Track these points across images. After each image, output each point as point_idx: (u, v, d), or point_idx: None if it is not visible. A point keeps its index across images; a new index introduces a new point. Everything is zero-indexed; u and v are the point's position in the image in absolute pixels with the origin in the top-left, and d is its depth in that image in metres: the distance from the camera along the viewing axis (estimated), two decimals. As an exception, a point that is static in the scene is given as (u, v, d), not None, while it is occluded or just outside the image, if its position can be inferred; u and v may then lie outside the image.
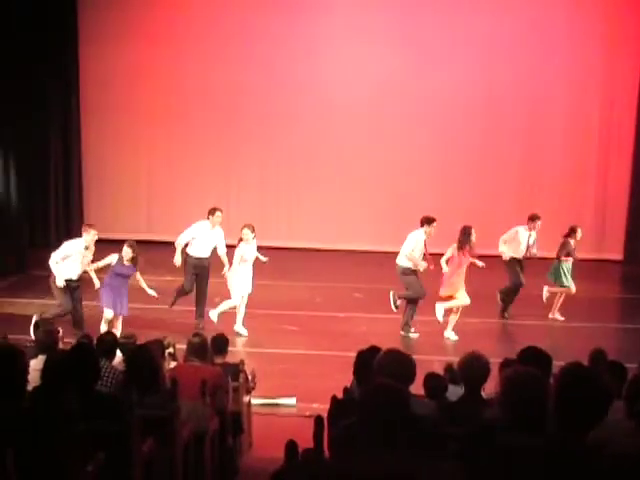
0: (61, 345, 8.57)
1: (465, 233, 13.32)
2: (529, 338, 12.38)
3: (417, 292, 13.39)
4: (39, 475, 4.79)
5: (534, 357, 6.25)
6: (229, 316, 13.48)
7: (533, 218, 14.60)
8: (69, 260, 12.34)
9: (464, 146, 19.56)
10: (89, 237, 12.46)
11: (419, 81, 19.36)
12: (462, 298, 13.46)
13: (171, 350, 9.10)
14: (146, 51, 19.57)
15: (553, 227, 14.92)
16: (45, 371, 6.08)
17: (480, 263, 13.47)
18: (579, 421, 4.09)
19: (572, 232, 14.61)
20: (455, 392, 7.30)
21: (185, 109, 19.77)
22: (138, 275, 12.63)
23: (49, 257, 12.44)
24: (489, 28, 19.17)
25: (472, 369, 6.06)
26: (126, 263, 12.43)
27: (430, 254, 13.28)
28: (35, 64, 17.67)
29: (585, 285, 16.36)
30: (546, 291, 14.71)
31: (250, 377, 9.25)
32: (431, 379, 7.54)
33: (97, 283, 12.39)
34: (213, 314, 13.28)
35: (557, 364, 5.81)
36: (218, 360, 8.86)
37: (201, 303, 13.66)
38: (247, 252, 13.38)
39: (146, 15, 19.55)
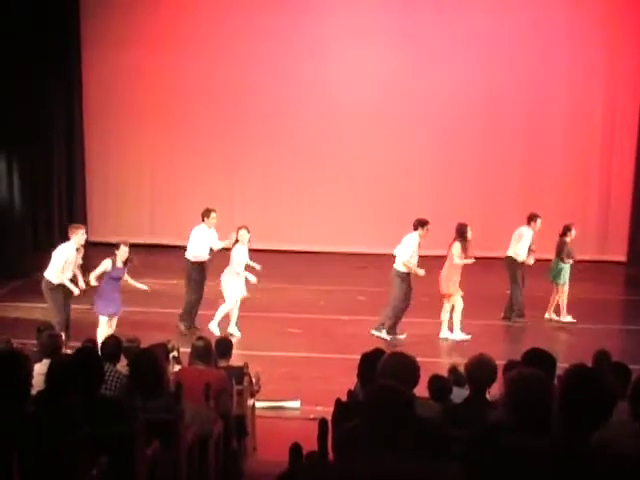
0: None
1: (462, 231, 13.32)
2: (533, 340, 12.39)
3: (402, 302, 13.39)
4: (43, 479, 4.79)
5: (538, 359, 6.24)
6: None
7: (534, 217, 14.57)
8: (66, 268, 12.16)
9: (467, 147, 19.55)
10: (78, 238, 12.21)
11: (421, 82, 19.35)
12: (459, 302, 13.48)
13: (175, 353, 9.11)
14: (149, 54, 19.57)
15: (555, 228, 14.86)
16: (49, 375, 6.08)
17: (471, 261, 13.48)
18: (584, 422, 4.09)
19: (567, 231, 14.55)
20: (459, 394, 7.30)
21: (188, 112, 19.77)
22: (126, 275, 12.45)
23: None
24: (490, 28, 19.15)
25: (479, 372, 6.06)
26: (120, 265, 12.24)
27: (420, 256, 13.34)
28: (38, 67, 17.67)
29: (589, 286, 16.38)
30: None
31: (254, 380, 9.26)
32: (435, 381, 7.54)
33: (76, 291, 12.10)
34: (213, 326, 13.24)
35: (561, 366, 5.81)
36: (222, 363, 8.86)
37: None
38: (244, 254, 13.39)
39: (149, 17, 19.54)
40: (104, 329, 12.16)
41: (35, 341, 9.57)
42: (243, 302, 13.62)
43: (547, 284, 14.76)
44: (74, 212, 19.43)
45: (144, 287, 12.72)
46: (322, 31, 19.35)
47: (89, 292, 12.45)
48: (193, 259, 13.58)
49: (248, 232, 13.44)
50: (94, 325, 12.32)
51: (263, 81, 19.56)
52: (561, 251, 14.49)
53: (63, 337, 8.96)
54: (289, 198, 20.08)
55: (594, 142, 19.62)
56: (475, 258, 13.70)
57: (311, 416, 9.47)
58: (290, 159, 19.92)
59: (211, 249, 13.61)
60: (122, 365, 8.01)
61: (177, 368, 8.66)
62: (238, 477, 8.09)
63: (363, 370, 6.69)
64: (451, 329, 13.66)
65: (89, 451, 4.99)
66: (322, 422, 5.44)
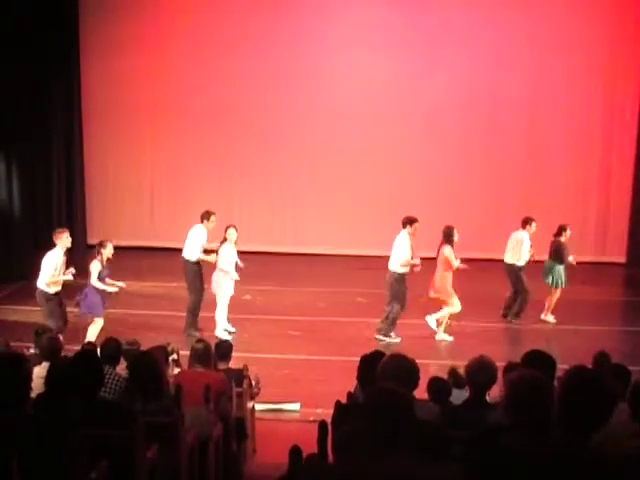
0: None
1: (449, 234, 13.27)
2: (532, 341, 12.40)
3: (401, 305, 13.40)
4: (43, 482, 4.79)
5: (538, 360, 6.25)
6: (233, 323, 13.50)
7: (529, 221, 14.55)
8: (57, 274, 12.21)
9: (467, 149, 19.54)
10: (63, 242, 12.26)
11: (422, 84, 19.33)
12: (456, 305, 13.45)
13: (175, 356, 9.12)
14: (148, 56, 19.56)
15: (555, 230, 14.86)
16: (49, 378, 6.08)
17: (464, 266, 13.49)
18: (583, 424, 4.09)
19: (562, 231, 14.52)
20: (459, 396, 7.30)
21: (188, 113, 19.76)
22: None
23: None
24: (491, 30, 19.15)
25: (480, 373, 6.07)
26: (105, 264, 12.32)
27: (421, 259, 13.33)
28: (37, 68, 17.64)
29: (588, 288, 16.38)
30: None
31: (254, 383, 9.26)
32: (435, 383, 7.54)
33: (110, 288, 12.32)
34: (220, 332, 13.23)
35: (561, 367, 5.82)
36: (222, 366, 8.86)
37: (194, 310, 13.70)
38: (232, 253, 13.40)
39: (148, 19, 19.53)
40: (97, 329, 12.27)
41: (33, 344, 9.59)
42: (244, 304, 13.62)
43: (545, 286, 14.75)
44: (73, 214, 19.42)
45: (122, 285, 12.70)
46: (323, 34, 19.34)
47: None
48: (191, 258, 13.55)
49: (236, 231, 13.44)
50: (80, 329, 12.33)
51: (263, 84, 19.55)
52: (557, 252, 14.45)
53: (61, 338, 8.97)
54: (289, 200, 20.07)
55: (594, 143, 19.61)
56: (468, 260, 13.68)
57: (311, 418, 9.48)
58: (290, 161, 19.91)
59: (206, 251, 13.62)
60: (122, 368, 8.01)
61: (177, 371, 8.66)
62: (238, 479, 8.08)
63: (363, 372, 6.69)
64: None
65: (89, 454, 4.99)
66: (322, 424, 5.44)
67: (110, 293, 12.41)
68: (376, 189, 19.53)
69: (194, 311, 13.55)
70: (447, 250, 13.25)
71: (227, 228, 13.47)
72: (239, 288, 14.08)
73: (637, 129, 19.36)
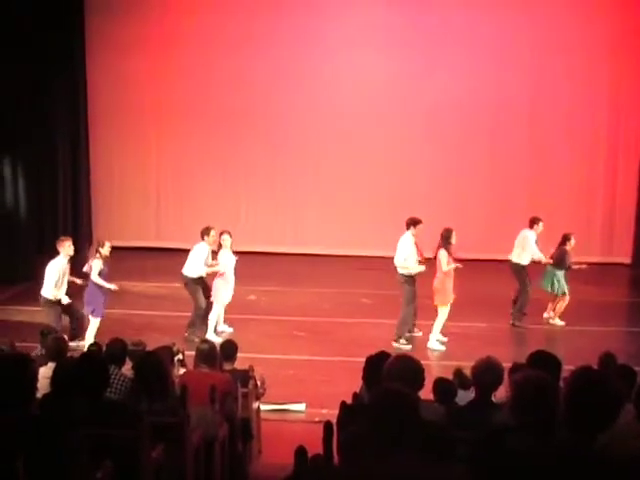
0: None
1: (447, 236, 13.20)
2: (537, 342, 12.38)
3: (410, 306, 13.37)
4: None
5: (543, 361, 6.25)
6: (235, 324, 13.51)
7: (536, 221, 14.54)
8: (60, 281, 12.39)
9: (471, 150, 19.53)
10: (66, 250, 12.46)
11: (425, 85, 19.32)
12: (443, 314, 13.30)
13: (180, 357, 9.11)
14: (154, 57, 19.58)
15: (561, 231, 14.84)
16: (54, 378, 6.09)
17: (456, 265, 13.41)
18: (589, 425, 4.09)
19: (566, 240, 14.50)
20: (464, 397, 7.29)
21: (193, 115, 19.77)
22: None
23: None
24: (494, 31, 19.13)
25: (486, 374, 6.06)
26: (102, 261, 12.45)
27: (426, 259, 13.28)
28: (42, 70, 17.64)
29: (594, 288, 16.36)
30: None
31: (259, 383, 9.25)
32: (441, 384, 7.54)
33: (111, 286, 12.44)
34: (211, 335, 13.23)
35: (566, 368, 5.81)
36: (227, 366, 8.86)
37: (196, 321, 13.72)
38: (230, 258, 13.42)
39: (154, 20, 19.54)
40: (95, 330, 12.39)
41: (38, 345, 9.61)
42: (248, 304, 13.64)
43: (541, 291, 14.75)
44: (79, 216, 19.42)
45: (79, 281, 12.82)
46: (325, 35, 19.34)
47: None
48: (191, 275, 13.56)
49: (230, 236, 13.48)
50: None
51: (266, 85, 19.57)
52: (559, 258, 14.42)
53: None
54: (294, 201, 20.07)
55: (599, 143, 19.58)
56: (472, 261, 13.61)
57: (316, 419, 9.48)
58: (294, 162, 19.92)
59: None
60: (127, 368, 8.02)
61: (182, 371, 8.66)
62: (243, 480, 8.09)
63: (368, 373, 6.69)
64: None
65: (94, 454, 4.99)
66: (327, 425, 5.44)
67: (109, 290, 12.53)
68: (380, 190, 19.53)
69: (203, 318, 13.58)
70: (441, 253, 13.14)
71: (221, 234, 13.50)
72: (244, 289, 14.11)
73: (643, 130, 19.37)
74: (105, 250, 12.50)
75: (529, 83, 19.36)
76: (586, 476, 3.96)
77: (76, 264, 13.07)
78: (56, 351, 8.10)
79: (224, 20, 19.43)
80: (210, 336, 12.95)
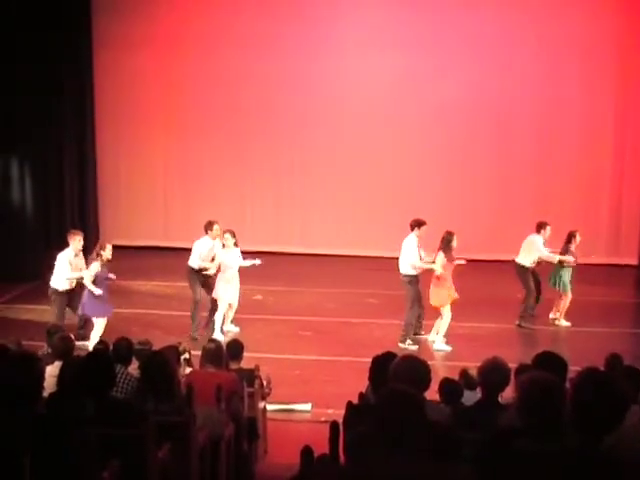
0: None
1: (448, 240, 13.16)
2: (544, 343, 12.38)
3: (415, 307, 13.37)
4: (55, 481, 4.80)
5: (549, 362, 6.23)
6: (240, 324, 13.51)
7: (544, 225, 14.54)
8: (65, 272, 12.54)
9: (478, 152, 19.50)
10: (75, 244, 12.66)
11: (432, 86, 19.28)
12: (447, 314, 13.29)
13: (187, 356, 9.13)
14: (161, 56, 19.57)
15: (567, 232, 14.83)
16: (61, 377, 6.10)
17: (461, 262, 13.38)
18: (596, 426, 4.08)
19: (572, 237, 14.50)
20: (470, 398, 7.29)
21: (200, 114, 19.78)
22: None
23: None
24: (501, 31, 19.11)
25: (493, 375, 6.05)
26: (102, 264, 12.46)
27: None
28: (50, 69, 17.65)
29: (600, 290, 16.34)
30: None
31: (265, 383, 9.26)
32: (447, 384, 7.54)
33: (96, 291, 12.37)
34: (217, 335, 13.26)
35: (573, 369, 5.80)
36: (233, 366, 8.87)
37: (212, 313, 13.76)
38: (227, 258, 13.43)
39: (161, 19, 19.53)
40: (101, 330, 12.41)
41: (45, 344, 9.65)
42: (254, 304, 13.64)
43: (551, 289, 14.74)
44: (86, 215, 19.45)
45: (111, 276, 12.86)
46: (332, 35, 19.33)
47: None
48: (192, 265, 13.71)
49: (233, 236, 13.51)
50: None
51: (274, 85, 19.56)
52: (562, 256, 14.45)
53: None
54: (300, 200, 20.07)
55: (606, 145, 19.54)
56: (473, 261, 13.61)
57: (322, 419, 9.48)
58: (301, 162, 19.91)
59: (213, 259, 13.67)
60: (133, 367, 8.04)
61: (188, 370, 8.68)
62: (249, 480, 8.09)
63: (374, 373, 6.69)
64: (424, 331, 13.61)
65: (100, 453, 5.00)
66: (333, 425, 5.44)
67: (104, 296, 12.50)
68: (386, 190, 19.52)
69: (209, 316, 13.66)
70: (439, 257, 13.15)
71: (223, 233, 13.54)
72: (250, 289, 14.11)
73: (650, 131, 19.33)
74: (107, 253, 12.49)
75: (536, 84, 19.31)
76: (592, 478, 3.96)
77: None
78: (63, 350, 8.11)
79: (231, 20, 19.43)
80: (217, 335, 13.01)
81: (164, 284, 16.31)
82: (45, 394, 5.69)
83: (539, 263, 14.54)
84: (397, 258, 13.52)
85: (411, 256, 13.20)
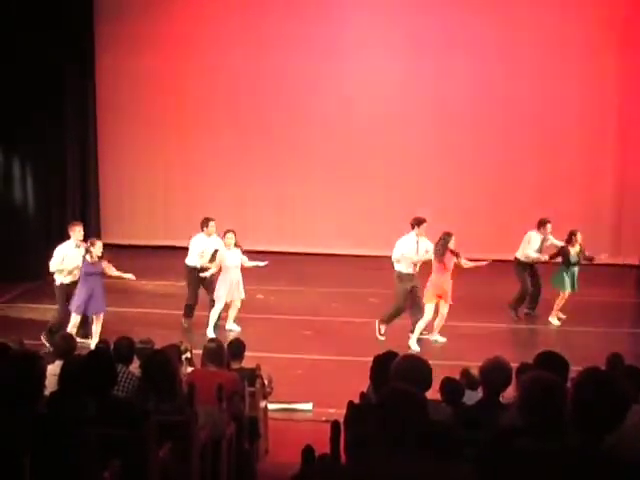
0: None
1: (444, 240, 13.16)
2: (545, 343, 12.37)
3: (399, 306, 13.48)
4: (56, 480, 4.81)
5: (551, 361, 6.23)
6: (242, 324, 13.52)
7: (544, 223, 14.62)
8: (65, 263, 12.59)
9: (479, 152, 19.47)
10: (75, 234, 12.77)
11: (436, 86, 19.30)
12: (428, 313, 13.27)
13: (188, 355, 9.13)
14: (163, 57, 19.56)
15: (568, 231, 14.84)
16: (62, 376, 6.10)
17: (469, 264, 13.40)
18: (597, 425, 4.08)
19: (572, 236, 14.51)
20: (472, 397, 7.29)
21: (201, 114, 19.78)
22: (109, 269, 12.64)
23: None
24: (504, 32, 19.12)
25: (494, 374, 6.05)
26: (89, 260, 12.40)
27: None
28: (51, 69, 17.65)
29: (602, 290, 16.32)
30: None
31: (266, 382, 9.26)
32: (448, 384, 7.53)
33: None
34: (209, 332, 13.28)
35: (574, 369, 5.80)
36: (234, 365, 8.87)
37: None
38: (228, 258, 13.43)
39: (163, 20, 19.52)
40: (98, 327, 12.50)
41: (46, 342, 9.67)
42: (256, 303, 13.65)
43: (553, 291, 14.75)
44: (87, 214, 19.45)
45: (131, 277, 12.97)
46: (335, 36, 19.32)
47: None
48: (188, 263, 13.84)
49: (234, 235, 13.55)
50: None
51: (276, 85, 19.58)
52: (564, 257, 14.46)
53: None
54: (302, 200, 20.07)
55: (608, 144, 19.53)
56: (475, 260, 13.64)
57: (323, 418, 9.47)
58: (302, 161, 19.91)
59: (213, 255, 13.70)
60: (135, 366, 8.03)
61: (190, 370, 8.67)
62: (250, 479, 8.09)
63: (376, 372, 6.69)
64: (430, 330, 13.62)
65: (101, 453, 5.00)
66: (334, 424, 5.44)
67: (94, 289, 12.46)
68: (388, 190, 19.52)
69: (189, 311, 13.81)
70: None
71: (226, 233, 13.57)
72: (251, 288, 14.10)
73: (652, 130, 19.31)
74: (97, 250, 12.44)
75: (537, 83, 19.28)
76: (593, 477, 3.95)
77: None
78: (64, 349, 8.12)
79: (234, 20, 19.44)
80: (209, 333, 13.11)
81: (165, 283, 16.31)
82: (46, 393, 5.69)
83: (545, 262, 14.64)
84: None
85: (400, 249, 13.24)
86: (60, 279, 12.67)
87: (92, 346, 10.97)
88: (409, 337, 13.26)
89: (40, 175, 17.65)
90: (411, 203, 18.16)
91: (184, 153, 20.07)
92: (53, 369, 7.12)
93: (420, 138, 19.45)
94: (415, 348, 13.01)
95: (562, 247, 14.46)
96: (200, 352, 8.53)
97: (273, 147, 19.87)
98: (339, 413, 6.57)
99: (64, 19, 17.92)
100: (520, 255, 14.78)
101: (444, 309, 13.32)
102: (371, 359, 6.83)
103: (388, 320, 13.55)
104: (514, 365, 6.64)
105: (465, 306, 13.60)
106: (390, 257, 13.56)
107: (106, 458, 5.02)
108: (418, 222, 13.33)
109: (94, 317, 12.48)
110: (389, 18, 19.22)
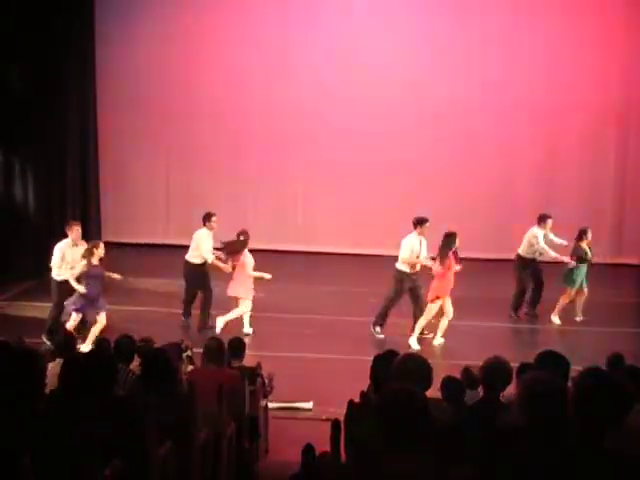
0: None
1: (449, 240, 13.15)
2: (546, 342, 12.37)
3: (389, 302, 13.56)
4: (56, 479, 4.79)
5: (551, 361, 6.22)
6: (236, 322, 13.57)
7: (544, 218, 14.65)
8: (65, 260, 12.67)
9: (480, 152, 19.48)
10: (73, 234, 12.80)
11: (436, 84, 19.28)
12: (428, 313, 13.30)
13: (189, 353, 9.14)
14: (164, 53, 19.54)
15: (570, 231, 14.84)
16: (62, 374, 6.10)
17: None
18: (598, 425, 4.08)
19: (583, 234, 14.53)
20: (472, 396, 7.29)
21: (203, 113, 19.76)
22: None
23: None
24: (506, 31, 19.11)
25: (495, 374, 6.05)
26: (93, 262, 12.43)
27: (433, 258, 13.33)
28: (51, 67, 17.64)
29: (603, 289, 16.29)
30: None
31: (267, 381, 9.26)
32: (449, 383, 7.53)
33: (81, 289, 12.36)
34: (220, 321, 13.30)
35: (575, 368, 5.80)
36: (235, 364, 8.86)
37: (206, 308, 13.77)
38: (249, 258, 13.48)
39: (164, 15, 19.53)
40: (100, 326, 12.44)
41: (47, 341, 9.67)
42: (257, 302, 13.66)
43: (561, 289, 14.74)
44: (88, 213, 19.45)
45: (117, 276, 12.98)
46: (336, 35, 19.33)
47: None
48: (194, 261, 13.76)
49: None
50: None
51: (277, 83, 19.56)
52: (577, 255, 14.46)
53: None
54: (303, 199, 20.08)
55: (609, 143, 19.53)
56: (476, 260, 13.63)
57: (324, 417, 9.47)
58: (304, 161, 19.90)
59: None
60: (135, 365, 8.03)
61: (190, 368, 8.68)
62: (251, 478, 8.09)
63: (376, 371, 6.69)
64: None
65: (101, 451, 5.00)
66: (335, 423, 5.45)
67: (92, 289, 12.46)
68: (388, 189, 19.50)
69: (206, 308, 13.71)
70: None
71: (241, 234, 13.58)
72: (252, 287, 14.10)
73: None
74: (99, 252, 12.46)
75: (538, 82, 19.27)
76: (594, 477, 3.95)
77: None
78: (64, 347, 8.12)
79: (234, 17, 19.44)
80: (218, 322, 13.29)
81: (166, 281, 16.29)
82: (47, 391, 5.69)
83: (555, 262, 14.64)
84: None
85: (407, 248, 13.26)
86: (59, 275, 12.68)
87: (82, 349, 10.89)
88: (409, 336, 13.26)
89: (40, 173, 17.65)
90: (411, 203, 18.13)
91: (184, 152, 20.06)
92: (53, 367, 7.12)
93: (420, 138, 19.42)
94: (415, 347, 13.00)
95: (577, 245, 14.45)
96: (201, 351, 8.53)
97: (275, 147, 19.86)
98: (339, 412, 6.57)
99: (64, 19, 17.93)
100: (523, 252, 14.74)
101: (449, 307, 13.29)
102: (371, 358, 6.83)
103: (380, 319, 13.54)
104: (514, 365, 6.64)
105: (465, 306, 13.59)
106: (390, 256, 13.57)
107: (107, 456, 5.02)
108: (420, 221, 13.35)
109: (96, 317, 12.47)
110: (389, 17, 19.23)
